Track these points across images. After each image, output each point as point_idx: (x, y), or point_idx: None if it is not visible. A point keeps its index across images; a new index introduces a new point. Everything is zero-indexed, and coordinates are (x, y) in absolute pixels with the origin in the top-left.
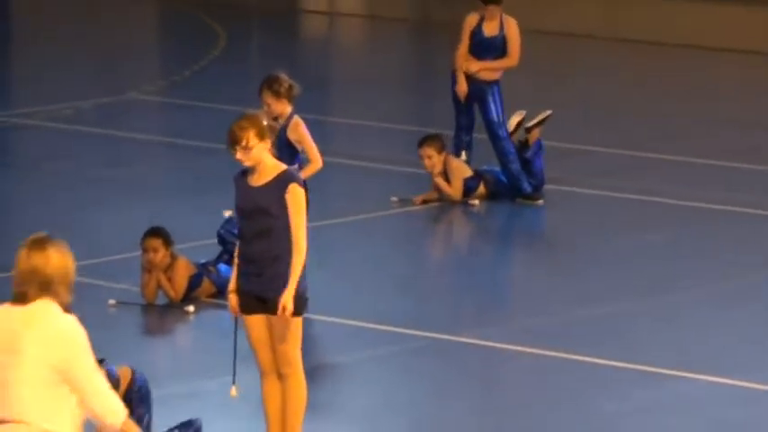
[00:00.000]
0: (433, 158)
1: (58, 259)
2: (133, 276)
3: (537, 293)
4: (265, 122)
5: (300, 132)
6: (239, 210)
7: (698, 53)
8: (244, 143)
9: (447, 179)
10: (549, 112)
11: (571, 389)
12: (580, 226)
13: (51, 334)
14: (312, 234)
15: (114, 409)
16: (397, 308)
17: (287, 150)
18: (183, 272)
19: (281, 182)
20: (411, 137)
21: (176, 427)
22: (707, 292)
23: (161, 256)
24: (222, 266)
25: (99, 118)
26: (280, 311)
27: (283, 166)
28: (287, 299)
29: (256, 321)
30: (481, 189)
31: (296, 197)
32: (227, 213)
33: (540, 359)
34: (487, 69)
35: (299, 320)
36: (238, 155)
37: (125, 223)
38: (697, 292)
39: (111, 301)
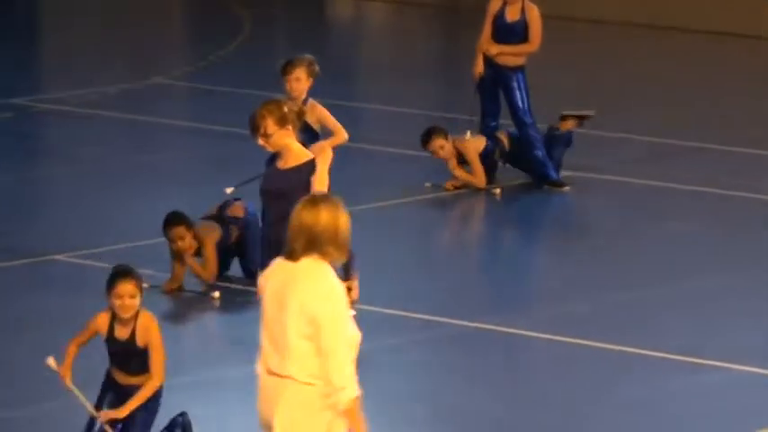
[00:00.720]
0: (445, 147)
1: (327, 218)
2: (163, 262)
3: (564, 281)
4: (287, 109)
5: (320, 111)
6: (262, 192)
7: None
8: (263, 130)
9: (462, 162)
10: (591, 113)
11: (597, 376)
12: (608, 213)
13: (312, 292)
14: None
15: (348, 384)
16: (423, 295)
17: (304, 135)
18: (211, 250)
19: (306, 168)
20: (440, 123)
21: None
22: (734, 279)
23: (188, 241)
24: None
25: (125, 103)
26: None
27: (310, 155)
28: None
29: None
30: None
31: (317, 173)
32: (229, 190)
33: (567, 347)
34: (507, 54)
35: None
36: (260, 142)
37: (155, 209)
38: (725, 279)
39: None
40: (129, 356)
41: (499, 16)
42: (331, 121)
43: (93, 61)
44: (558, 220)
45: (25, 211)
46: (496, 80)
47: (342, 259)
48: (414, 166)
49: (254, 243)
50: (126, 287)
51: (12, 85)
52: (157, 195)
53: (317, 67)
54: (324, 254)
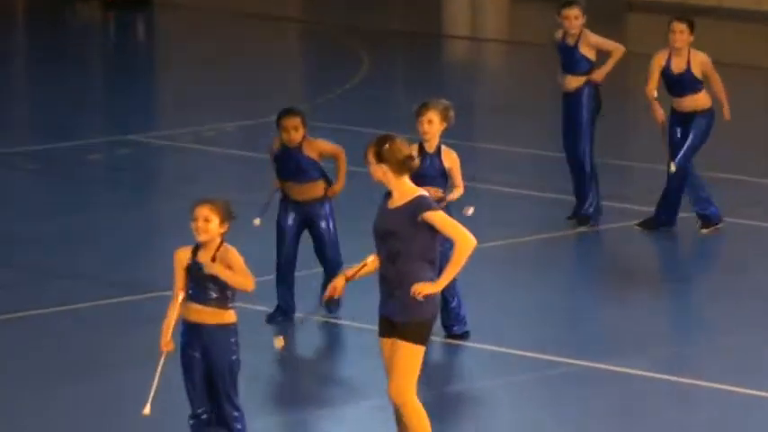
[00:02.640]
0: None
1: None
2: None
3: (678, 323)
4: (388, 146)
5: (454, 158)
6: (374, 230)
7: None
8: (366, 159)
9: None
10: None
11: (715, 419)
12: (723, 256)
13: None
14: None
15: None
16: (539, 334)
17: (441, 180)
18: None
19: (414, 206)
20: (554, 163)
21: None
22: None
23: (301, 132)
24: None
25: (241, 140)
26: (412, 292)
27: (419, 192)
28: (426, 287)
29: (385, 344)
30: None
31: (438, 218)
32: (257, 222)
33: (684, 388)
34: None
35: (417, 349)
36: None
37: (265, 245)
38: None
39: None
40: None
41: (666, 68)
42: (458, 172)
43: (211, 99)
44: (673, 260)
45: (140, 245)
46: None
47: None
48: (534, 204)
49: None
50: (202, 210)
51: (130, 121)
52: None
53: (451, 113)
54: None
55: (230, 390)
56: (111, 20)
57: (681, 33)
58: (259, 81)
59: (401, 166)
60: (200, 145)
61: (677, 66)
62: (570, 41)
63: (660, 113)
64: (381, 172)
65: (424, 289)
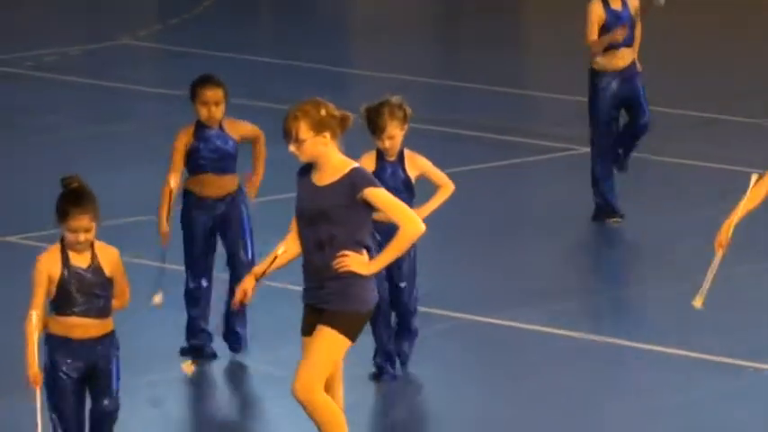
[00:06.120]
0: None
1: None
2: (142, 242)
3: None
4: (325, 112)
5: (422, 162)
6: (300, 213)
7: None
8: (295, 135)
9: None
10: None
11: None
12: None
13: None
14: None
15: None
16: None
17: (406, 194)
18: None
19: (351, 181)
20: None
21: None
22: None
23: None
24: None
25: (88, 66)
26: (337, 262)
27: (353, 164)
28: (356, 261)
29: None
30: None
31: (381, 196)
32: (157, 300)
33: (570, 341)
34: None
35: (343, 342)
36: (291, 148)
37: (118, 185)
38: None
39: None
40: None
41: None
42: (435, 172)
43: (52, 20)
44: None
45: None
46: None
47: None
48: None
49: None
50: (82, 221)
51: None
52: (122, 170)
53: (408, 111)
54: None
55: None
56: None
57: None
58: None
59: (342, 128)
60: (43, 72)
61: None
62: None
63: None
64: (323, 144)
65: (354, 263)
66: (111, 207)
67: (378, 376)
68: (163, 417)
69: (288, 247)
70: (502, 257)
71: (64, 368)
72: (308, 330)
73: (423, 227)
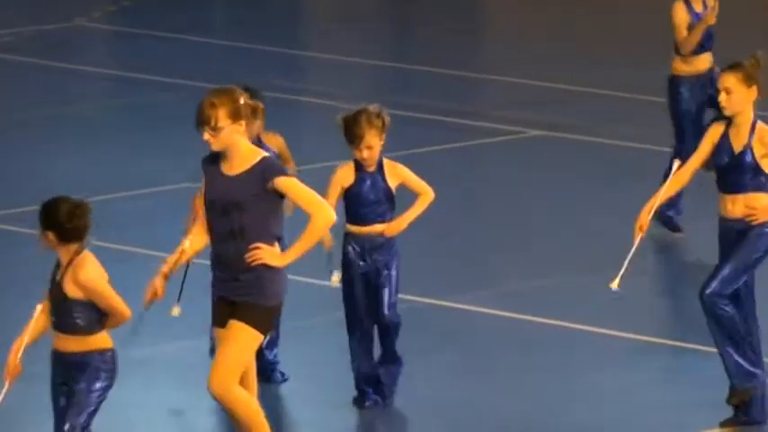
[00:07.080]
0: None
1: None
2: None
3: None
4: (243, 101)
5: (402, 171)
6: (211, 203)
7: None
8: (212, 123)
9: None
10: None
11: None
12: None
13: None
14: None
15: None
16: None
17: (388, 205)
18: None
19: (262, 170)
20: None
21: None
22: None
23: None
24: None
25: (42, 47)
26: (250, 255)
27: (262, 153)
28: (268, 253)
29: (223, 335)
30: None
31: (292, 185)
32: (176, 311)
33: (520, 323)
34: None
35: (257, 337)
36: (205, 136)
37: (73, 165)
38: None
39: None
40: None
41: None
42: (416, 181)
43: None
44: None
45: None
46: None
47: None
48: None
49: None
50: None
51: None
52: (76, 150)
53: (387, 119)
54: None
55: None
56: None
57: None
58: None
59: (254, 117)
60: None
61: None
62: None
63: None
64: (238, 133)
65: (267, 256)
66: (67, 189)
67: (360, 401)
68: None
69: (193, 240)
70: (455, 241)
71: (52, 374)
72: (220, 322)
73: (334, 216)
